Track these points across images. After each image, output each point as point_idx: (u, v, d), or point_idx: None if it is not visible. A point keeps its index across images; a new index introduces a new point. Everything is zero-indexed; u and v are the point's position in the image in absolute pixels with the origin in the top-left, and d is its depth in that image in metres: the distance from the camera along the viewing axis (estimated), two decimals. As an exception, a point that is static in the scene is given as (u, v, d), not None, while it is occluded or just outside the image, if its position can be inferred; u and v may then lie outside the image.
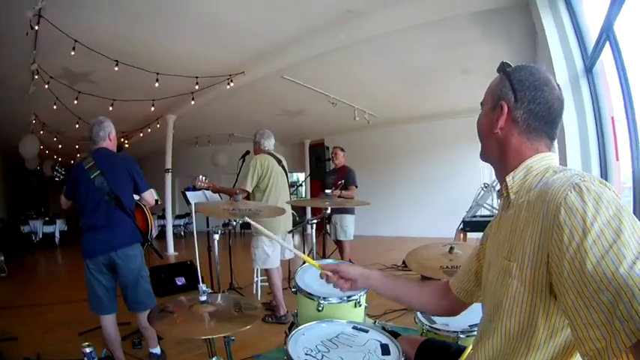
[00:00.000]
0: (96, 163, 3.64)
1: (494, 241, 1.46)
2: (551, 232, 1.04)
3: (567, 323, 1.04)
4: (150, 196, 4.00)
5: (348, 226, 7.13)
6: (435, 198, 13.47)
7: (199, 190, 5.62)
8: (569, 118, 4.21)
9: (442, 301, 1.78)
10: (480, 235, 5.75)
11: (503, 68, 1.43)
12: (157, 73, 7.71)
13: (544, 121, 1.34)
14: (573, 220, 0.99)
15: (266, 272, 5.38)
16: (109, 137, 3.86)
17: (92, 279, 3.61)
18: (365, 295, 2.53)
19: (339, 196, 6.43)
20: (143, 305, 3.73)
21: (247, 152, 5.80)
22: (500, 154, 1.40)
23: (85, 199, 3.61)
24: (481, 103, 1.50)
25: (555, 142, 3.65)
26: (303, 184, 15.32)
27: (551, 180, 1.17)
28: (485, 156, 1.49)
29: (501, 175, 1.40)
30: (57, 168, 3.75)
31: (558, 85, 1.39)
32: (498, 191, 1.47)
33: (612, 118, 3.94)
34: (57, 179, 3.78)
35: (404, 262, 7.98)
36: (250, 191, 5.17)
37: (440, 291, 1.80)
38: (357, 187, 7.16)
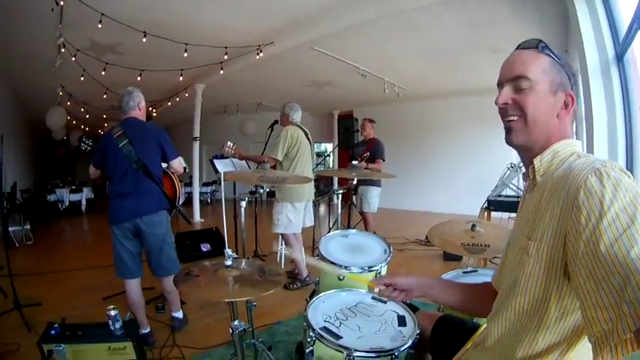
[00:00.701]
0: (124, 132, 3.71)
1: (517, 221, 1.48)
2: (570, 212, 1.07)
3: (578, 306, 1.07)
4: (178, 164, 4.05)
5: (372, 198, 7.14)
6: (461, 175, 13.38)
7: (227, 157, 5.70)
8: (598, 107, 4.12)
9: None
10: (503, 214, 5.74)
11: (551, 50, 1.40)
12: (186, 44, 7.70)
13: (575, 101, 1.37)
14: (591, 202, 1.02)
15: (283, 236, 5.50)
16: (138, 107, 3.93)
17: (118, 244, 3.72)
18: (387, 266, 2.58)
19: (366, 168, 6.46)
20: (167, 271, 3.85)
21: (276, 121, 5.88)
22: (544, 141, 1.37)
23: (114, 167, 3.70)
24: (523, 78, 1.36)
25: (584, 130, 3.62)
26: (331, 154, 15.32)
27: (574, 164, 1.20)
28: (526, 139, 1.38)
29: (529, 158, 1.40)
30: (84, 139, 3.86)
31: None
32: (524, 174, 1.47)
33: (640, 107, 3.87)
34: (85, 149, 3.87)
35: (427, 237, 8.01)
36: (280, 160, 5.27)
37: (489, 294, 1.64)
38: (384, 160, 7.15)
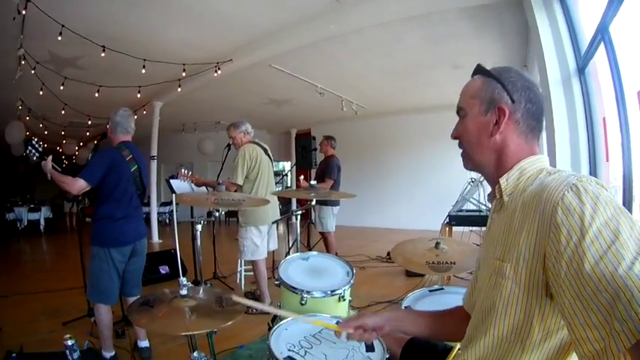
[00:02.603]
0: (134, 157, 3.79)
1: (486, 242, 1.43)
2: (548, 232, 1.03)
3: (563, 324, 1.04)
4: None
5: (324, 218, 7.15)
6: (421, 190, 13.54)
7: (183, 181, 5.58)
8: (560, 118, 4.20)
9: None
10: (464, 229, 5.81)
11: (484, 71, 1.41)
12: (144, 60, 7.60)
13: (538, 119, 1.36)
14: (571, 220, 0.99)
15: (253, 263, 5.33)
16: (133, 131, 3.98)
17: (112, 269, 3.65)
18: (349, 289, 2.51)
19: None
20: (140, 289, 3.97)
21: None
22: (495, 160, 1.36)
23: (123, 189, 3.71)
24: (459, 110, 1.45)
25: (544, 142, 3.65)
26: (289, 173, 15.29)
27: (546, 180, 1.16)
28: (474, 163, 1.44)
29: (493, 179, 1.38)
30: (33, 143, 3.62)
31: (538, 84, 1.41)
32: (489, 194, 1.44)
33: (604, 118, 3.93)
34: (33, 157, 3.64)
35: (389, 254, 8.01)
36: (241, 184, 5.12)
37: (463, 317, 1.59)
38: (333, 179, 7.13)
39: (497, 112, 1.33)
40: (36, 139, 3.69)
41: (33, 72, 7.69)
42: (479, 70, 1.43)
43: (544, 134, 5.25)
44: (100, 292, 3.66)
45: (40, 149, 3.65)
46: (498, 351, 1.23)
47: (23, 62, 7.38)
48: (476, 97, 1.39)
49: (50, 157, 3.57)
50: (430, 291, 2.61)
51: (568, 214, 0.99)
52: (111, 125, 3.88)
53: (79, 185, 3.52)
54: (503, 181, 1.32)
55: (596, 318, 0.89)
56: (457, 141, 1.48)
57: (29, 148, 3.61)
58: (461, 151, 1.48)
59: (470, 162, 1.45)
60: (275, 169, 5.65)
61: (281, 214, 5.80)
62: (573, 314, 0.95)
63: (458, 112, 1.46)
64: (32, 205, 14.91)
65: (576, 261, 0.95)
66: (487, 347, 1.26)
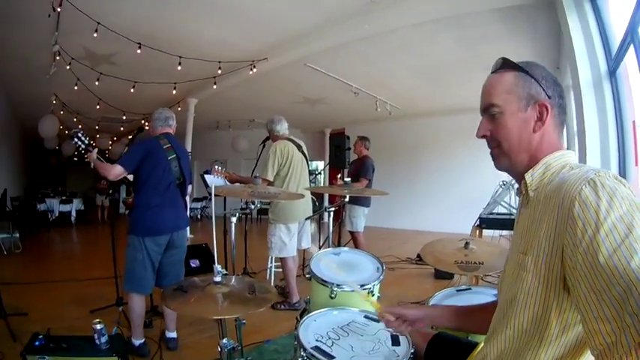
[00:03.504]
0: (172, 146, 3.85)
1: (514, 237, 1.45)
2: (565, 225, 1.05)
3: (579, 319, 1.04)
4: (190, 187, 4.26)
5: (355, 217, 7.18)
6: (452, 193, 13.40)
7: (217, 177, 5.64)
8: (590, 121, 4.17)
9: None
10: (495, 232, 5.76)
11: (513, 65, 1.38)
12: (180, 57, 7.70)
13: (565, 114, 1.38)
14: (587, 213, 1.00)
15: (281, 260, 5.37)
16: (174, 128, 4.10)
17: (147, 259, 3.72)
18: (379, 285, 2.54)
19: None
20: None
21: (268, 138, 5.69)
22: (529, 157, 1.34)
23: (160, 177, 3.78)
24: (492, 106, 1.38)
25: (576, 144, 3.62)
26: (322, 172, 15.32)
27: (567, 175, 1.17)
28: (511, 162, 1.38)
29: (519, 176, 1.39)
30: (80, 135, 3.73)
31: None
32: (517, 190, 1.45)
33: (634, 122, 3.88)
34: (79, 148, 3.75)
35: (418, 256, 7.99)
36: (271, 180, 5.14)
37: None
38: (369, 179, 7.16)
39: (539, 108, 1.32)
40: (82, 132, 3.80)
41: (68, 67, 7.86)
42: (507, 64, 1.40)
43: (576, 137, 5.19)
44: (133, 282, 3.73)
45: (86, 141, 3.77)
46: (518, 343, 1.25)
47: (58, 58, 7.54)
48: (512, 92, 1.35)
49: (96, 150, 3.72)
50: (457, 290, 2.62)
51: (584, 208, 1.01)
52: (151, 123, 4.04)
53: (115, 171, 3.61)
54: (528, 176, 1.33)
55: (609, 311, 0.91)
56: (485, 141, 1.45)
57: (75, 139, 3.72)
58: (491, 150, 1.43)
59: (507, 161, 1.39)
60: (309, 168, 5.65)
61: (314, 212, 5.82)
62: (587, 307, 0.96)
63: (487, 109, 1.40)
64: (64, 197, 15.18)
65: (591, 253, 0.97)
66: (508, 340, 1.28)
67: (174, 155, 3.85)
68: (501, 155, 1.40)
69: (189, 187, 4.22)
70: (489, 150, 1.45)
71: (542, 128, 1.32)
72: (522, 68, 1.36)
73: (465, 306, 1.84)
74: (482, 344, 1.64)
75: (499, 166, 1.43)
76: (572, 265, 1.03)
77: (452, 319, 1.77)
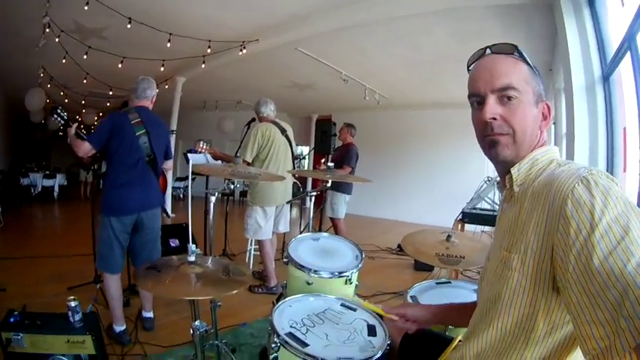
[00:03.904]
0: (142, 121, 3.64)
1: (496, 233, 1.42)
2: (557, 224, 1.02)
3: (569, 319, 1.02)
4: (171, 163, 4.16)
5: (336, 204, 7.17)
6: (436, 186, 13.46)
7: (201, 153, 5.57)
8: (581, 125, 4.18)
9: None
10: (477, 227, 5.75)
11: (526, 59, 1.33)
12: (170, 34, 7.59)
13: None
14: (581, 213, 0.97)
15: (259, 242, 5.35)
16: (152, 99, 3.88)
17: (113, 238, 3.57)
18: (357, 273, 2.51)
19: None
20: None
21: (253, 119, 5.65)
22: (527, 153, 1.31)
23: (127, 154, 3.58)
24: (511, 88, 1.27)
25: (564, 148, 3.62)
26: (307, 157, 15.28)
27: (557, 172, 1.15)
28: (516, 154, 1.30)
29: (506, 169, 1.33)
30: (59, 111, 3.62)
31: None
32: (498, 183, 1.44)
33: (624, 129, 3.88)
34: (59, 124, 3.66)
35: (399, 246, 8.00)
36: (249, 161, 5.09)
37: None
38: (351, 167, 7.16)
39: (544, 108, 1.32)
40: (60, 107, 3.68)
41: (57, 40, 7.71)
42: (520, 54, 1.34)
43: (564, 139, 5.18)
44: (100, 260, 3.66)
45: (65, 117, 3.65)
46: (501, 345, 1.22)
47: (48, 30, 7.37)
48: (529, 84, 1.29)
49: (76, 125, 3.57)
50: (437, 283, 2.61)
51: (578, 207, 0.98)
52: (129, 95, 3.91)
53: (84, 148, 3.49)
54: (514, 171, 1.29)
55: (603, 315, 0.88)
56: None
57: (54, 115, 3.62)
58: (493, 137, 1.30)
59: (513, 152, 1.30)
60: (295, 153, 5.61)
61: (295, 195, 5.79)
62: (579, 310, 0.93)
63: (503, 90, 1.28)
64: (47, 172, 15.05)
65: (585, 255, 0.94)
66: (489, 340, 1.25)
67: (144, 130, 3.64)
68: (510, 144, 1.29)
69: (170, 162, 4.12)
70: (490, 136, 1.31)
71: (544, 128, 1.33)
72: (532, 65, 1.33)
73: (466, 303, 1.80)
74: (458, 340, 1.64)
75: (500, 156, 1.31)
76: (563, 267, 1.00)
77: (462, 318, 1.66)
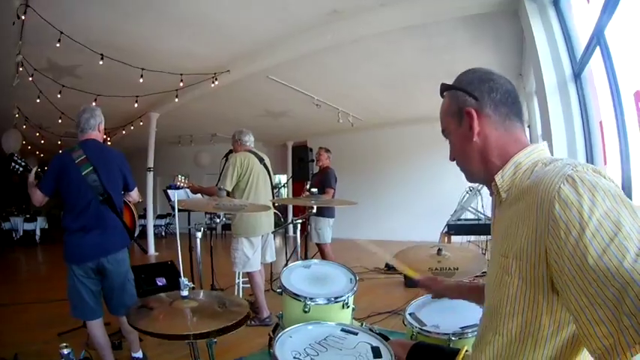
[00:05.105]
0: (87, 157, 3.37)
1: (492, 240, 1.42)
2: (547, 227, 1.01)
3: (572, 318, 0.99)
4: (136, 193, 3.89)
5: (321, 229, 7.10)
6: (417, 201, 13.57)
7: (181, 189, 5.51)
8: (557, 124, 4.25)
9: None
10: (463, 239, 5.82)
11: (447, 86, 1.46)
12: (142, 69, 7.62)
13: (509, 104, 1.36)
14: (569, 214, 0.96)
15: (248, 274, 5.26)
16: (98, 128, 3.58)
17: (79, 285, 3.36)
18: (353, 297, 2.47)
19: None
20: (128, 309, 3.55)
21: (230, 151, 5.59)
22: (484, 161, 1.36)
23: (76, 197, 3.33)
24: (443, 132, 1.50)
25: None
26: (285, 185, 15.25)
27: (542, 172, 1.15)
28: (472, 174, 1.45)
29: (488, 179, 1.36)
30: (15, 158, 3.46)
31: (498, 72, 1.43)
32: (480, 192, 1.46)
33: (600, 122, 3.94)
34: (18, 171, 3.51)
35: (387, 265, 8.00)
36: (229, 189, 5.01)
37: None
38: (333, 188, 7.11)
39: (466, 116, 1.35)
40: (17, 154, 3.51)
41: (30, 79, 7.69)
42: (443, 88, 1.48)
43: (540, 139, 5.24)
44: (73, 308, 3.44)
45: (23, 163, 3.50)
46: (509, 350, 1.20)
47: (21, 69, 7.36)
48: (448, 113, 1.44)
49: (35, 169, 3.44)
50: (433, 297, 2.59)
51: (566, 208, 0.97)
52: (75, 129, 3.62)
53: (37, 197, 3.34)
54: (498, 178, 1.30)
55: (604, 314, 0.87)
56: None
57: (12, 163, 3.47)
58: (462, 171, 1.50)
59: (468, 175, 1.47)
60: (273, 182, 5.59)
61: (277, 226, 5.74)
62: (580, 310, 0.92)
63: (444, 135, 1.51)
64: (28, 216, 14.92)
65: (579, 256, 0.92)
66: (498, 347, 1.23)
67: (91, 168, 3.34)
68: (463, 171, 1.48)
69: (134, 193, 3.85)
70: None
71: (478, 133, 1.34)
72: (451, 85, 1.44)
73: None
74: (465, 350, 1.63)
75: (469, 180, 1.53)
76: (559, 269, 0.98)
77: (471, 293, 1.98)
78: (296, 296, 2.36)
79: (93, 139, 3.53)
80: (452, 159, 1.50)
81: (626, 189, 3.17)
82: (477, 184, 5.54)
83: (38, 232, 14.62)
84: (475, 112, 1.33)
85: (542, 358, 1.13)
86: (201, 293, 2.22)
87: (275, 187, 5.80)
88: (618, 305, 0.84)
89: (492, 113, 1.33)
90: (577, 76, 4.17)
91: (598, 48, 3.39)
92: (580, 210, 0.94)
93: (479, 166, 1.37)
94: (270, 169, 5.57)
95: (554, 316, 1.09)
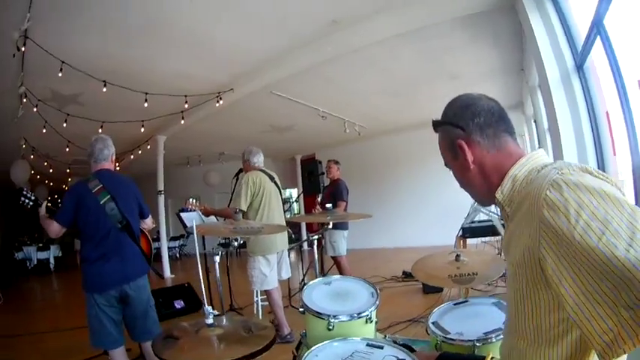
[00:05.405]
0: (104, 186, 3.43)
1: (505, 252, 1.42)
2: (539, 233, 1.04)
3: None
4: (150, 220, 3.92)
5: (336, 242, 7.05)
6: (428, 206, 13.54)
7: (193, 211, 5.53)
8: (563, 117, 4.25)
9: None
10: (477, 241, 5.79)
11: (435, 124, 1.54)
12: (146, 93, 7.66)
13: (494, 123, 1.40)
14: (557, 219, 0.99)
15: (266, 292, 5.26)
16: (111, 158, 3.67)
17: (101, 314, 3.35)
18: (375, 310, 2.47)
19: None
20: (152, 334, 3.53)
21: (240, 170, 5.61)
22: (486, 183, 1.41)
23: (95, 226, 3.36)
24: (446, 166, 1.57)
25: (549, 142, 3.67)
26: (297, 200, 15.25)
27: (534, 180, 1.20)
28: (479, 197, 1.53)
29: (494, 198, 1.41)
30: (25, 192, 3.48)
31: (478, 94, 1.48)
32: (497, 207, 1.48)
33: (607, 112, 3.93)
34: (27, 206, 3.54)
35: (404, 273, 7.97)
36: (244, 209, 5.03)
37: None
38: (345, 201, 7.11)
39: (459, 149, 1.41)
40: (26, 188, 3.54)
41: (35, 110, 7.73)
42: (434, 125, 1.54)
43: (547, 134, 5.21)
44: (94, 337, 3.42)
45: (33, 197, 3.52)
46: (528, 352, 1.20)
47: (25, 100, 7.41)
48: (444, 149, 1.52)
49: (45, 203, 3.47)
50: (455, 304, 2.57)
51: (554, 214, 1.00)
52: (87, 158, 3.68)
53: (53, 228, 3.35)
54: (498, 194, 1.35)
55: (602, 310, 0.90)
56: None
57: (22, 198, 3.49)
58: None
59: (476, 198, 1.57)
60: (282, 197, 5.59)
61: (292, 242, 5.74)
62: (578, 309, 0.95)
63: (447, 167, 1.58)
64: (41, 244, 14.96)
65: (573, 257, 0.95)
66: (520, 350, 1.24)
67: (109, 196, 3.41)
68: (471, 195, 1.56)
69: (149, 220, 3.91)
70: None
71: (473, 161, 1.40)
72: (439, 121, 1.52)
73: None
74: (490, 357, 1.65)
75: (479, 203, 1.71)
76: (553, 272, 1.01)
77: None
78: (319, 315, 2.35)
79: (107, 169, 3.60)
80: (460, 186, 1.56)
81: (638, 177, 3.15)
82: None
83: (52, 261, 14.66)
84: (465, 143, 1.39)
85: (557, 358, 1.14)
86: (224, 319, 2.20)
87: (286, 202, 5.80)
88: (615, 300, 0.87)
89: (480, 138, 1.38)
90: (579, 67, 4.16)
91: (598, 38, 3.38)
92: (567, 214, 0.97)
93: (482, 188, 1.43)
94: (280, 186, 5.59)
95: (561, 314, 1.10)
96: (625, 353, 0.87)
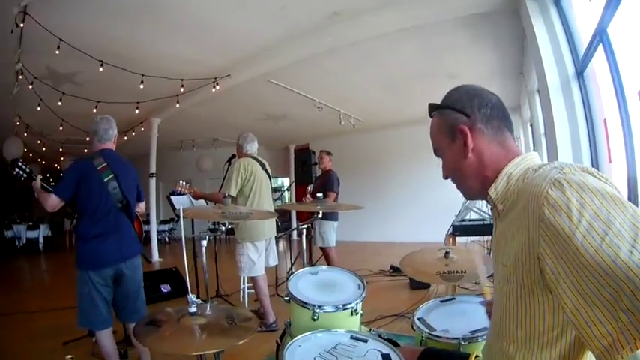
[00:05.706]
0: (109, 165, 3.46)
1: (493, 250, 1.43)
2: (538, 232, 1.02)
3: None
4: (144, 204, 3.96)
5: (325, 233, 7.06)
6: (420, 203, 13.53)
7: (182, 195, 5.50)
8: (560, 122, 4.26)
9: None
10: (467, 240, 5.83)
11: (434, 107, 1.49)
12: (142, 75, 7.59)
13: (500, 117, 1.39)
14: (559, 219, 0.97)
15: (252, 279, 5.29)
16: (114, 139, 3.69)
17: (94, 292, 3.35)
18: (361, 303, 2.46)
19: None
20: (140, 314, 3.58)
21: (233, 156, 5.62)
22: (479, 177, 1.38)
23: (97, 203, 3.39)
24: (436, 152, 1.53)
25: (544, 147, 3.69)
26: (289, 189, 15.23)
27: (531, 178, 1.18)
28: (468, 191, 1.48)
29: (486, 195, 1.38)
30: (20, 164, 3.46)
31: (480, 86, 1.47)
32: (489, 205, 1.45)
33: (604, 120, 3.93)
34: (21, 178, 3.50)
35: (392, 267, 7.98)
36: (234, 195, 5.04)
37: None
38: (336, 192, 7.12)
39: (459, 134, 1.37)
40: (22, 160, 3.52)
41: (31, 87, 7.65)
42: (431, 108, 1.50)
43: (543, 139, 5.20)
44: (83, 317, 3.41)
45: (28, 169, 3.49)
46: (518, 356, 1.19)
47: (21, 77, 7.33)
48: (440, 132, 1.46)
49: (40, 177, 3.44)
50: (442, 301, 2.57)
51: (555, 213, 0.97)
52: (90, 136, 3.68)
53: (51, 202, 3.34)
54: (492, 191, 1.33)
55: (601, 313, 0.88)
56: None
57: (16, 169, 3.46)
58: (458, 188, 1.52)
59: (465, 192, 1.49)
60: (274, 186, 5.59)
61: (281, 230, 5.74)
62: (577, 312, 0.92)
63: (437, 155, 1.53)
64: (31, 223, 14.91)
65: (572, 259, 0.93)
66: (504, 353, 1.23)
67: (112, 175, 3.45)
68: (458, 187, 1.50)
69: (143, 204, 3.94)
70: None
71: (472, 149, 1.36)
72: (439, 105, 1.47)
73: None
74: (475, 355, 1.67)
75: (466, 198, 1.61)
76: (552, 273, 0.99)
77: None
78: (304, 304, 2.34)
79: (110, 150, 3.62)
80: (445, 177, 1.52)
81: (632, 186, 3.16)
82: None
83: (41, 240, 14.59)
84: (468, 129, 1.35)
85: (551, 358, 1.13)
86: (208, 307, 2.18)
87: (277, 191, 5.80)
88: (615, 303, 0.85)
89: (485, 128, 1.36)
90: (580, 74, 4.16)
91: (601, 46, 3.38)
92: (569, 214, 0.95)
93: (475, 182, 1.39)
94: (270, 174, 5.60)
95: (556, 318, 1.09)
96: (623, 358, 0.85)
